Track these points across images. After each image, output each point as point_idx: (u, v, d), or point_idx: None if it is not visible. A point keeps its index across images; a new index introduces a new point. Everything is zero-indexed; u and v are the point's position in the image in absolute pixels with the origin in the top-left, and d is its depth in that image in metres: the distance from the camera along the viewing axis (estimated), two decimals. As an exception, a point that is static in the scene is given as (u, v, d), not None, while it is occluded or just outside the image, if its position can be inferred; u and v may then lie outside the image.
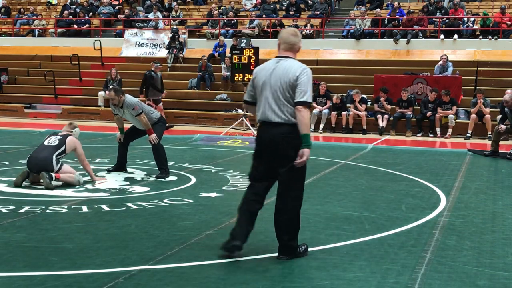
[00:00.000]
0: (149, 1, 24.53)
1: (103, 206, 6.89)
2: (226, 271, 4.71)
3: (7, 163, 9.91)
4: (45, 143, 8.20)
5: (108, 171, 9.20)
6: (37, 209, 6.69)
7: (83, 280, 4.45)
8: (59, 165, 8.01)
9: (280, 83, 4.90)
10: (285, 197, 5.02)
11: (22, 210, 6.62)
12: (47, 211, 6.65)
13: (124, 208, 6.84)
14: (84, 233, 5.75)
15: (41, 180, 7.83)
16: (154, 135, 8.84)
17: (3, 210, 6.62)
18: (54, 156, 7.98)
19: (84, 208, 6.79)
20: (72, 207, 6.88)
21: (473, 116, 15.41)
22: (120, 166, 9.28)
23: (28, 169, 8.00)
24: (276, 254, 5.09)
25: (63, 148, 8.12)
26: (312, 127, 15.93)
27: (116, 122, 9.32)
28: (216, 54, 20.84)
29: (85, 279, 4.47)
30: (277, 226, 5.08)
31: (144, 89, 16.23)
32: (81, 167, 8.52)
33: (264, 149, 5.01)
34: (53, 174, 7.88)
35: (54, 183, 7.85)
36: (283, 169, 4.93)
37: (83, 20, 24.30)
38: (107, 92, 18.74)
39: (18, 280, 4.43)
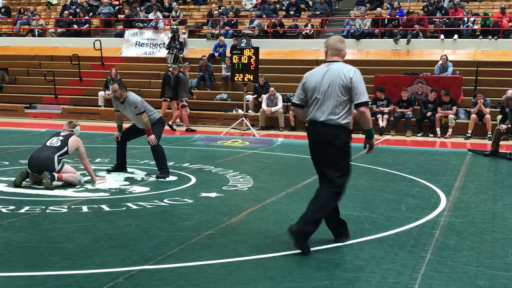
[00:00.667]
0: (149, 2, 24.54)
1: (103, 206, 6.89)
2: (226, 271, 4.71)
3: (7, 163, 9.90)
4: (47, 143, 8.19)
5: (108, 171, 9.20)
6: (37, 209, 6.68)
7: (83, 280, 4.45)
8: (60, 165, 8.01)
9: (332, 85, 5.21)
10: (325, 187, 5.30)
11: (22, 210, 6.62)
12: (47, 211, 6.64)
13: (124, 208, 6.83)
14: (84, 233, 5.75)
15: (43, 181, 7.82)
16: (153, 136, 8.83)
17: (3, 210, 6.62)
18: (56, 157, 7.98)
19: (84, 208, 6.79)
20: (72, 207, 6.87)
21: (473, 116, 15.41)
22: (120, 166, 9.28)
23: (29, 169, 8.00)
24: (275, 254, 5.10)
25: (65, 149, 8.12)
26: None
27: (116, 120, 9.32)
28: (216, 54, 20.84)
29: (85, 279, 4.47)
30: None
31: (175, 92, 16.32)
32: (82, 166, 8.52)
33: (311, 147, 5.35)
34: (56, 174, 7.88)
35: (54, 183, 7.86)
36: (325, 167, 5.28)
37: (83, 20, 24.31)
38: (109, 88, 18.76)
39: (18, 280, 4.43)
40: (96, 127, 16.60)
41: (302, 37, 21.66)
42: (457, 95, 16.57)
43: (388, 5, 22.36)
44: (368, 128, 5.28)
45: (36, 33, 24.78)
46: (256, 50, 16.26)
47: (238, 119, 16.36)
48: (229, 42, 20.42)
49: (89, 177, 8.42)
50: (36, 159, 7.97)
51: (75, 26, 24.10)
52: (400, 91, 16.38)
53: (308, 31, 21.59)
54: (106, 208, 6.80)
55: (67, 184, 8.00)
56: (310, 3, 23.31)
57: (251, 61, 16.01)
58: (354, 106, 5.20)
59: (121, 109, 9.01)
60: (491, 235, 6.01)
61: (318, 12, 22.50)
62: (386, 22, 21.01)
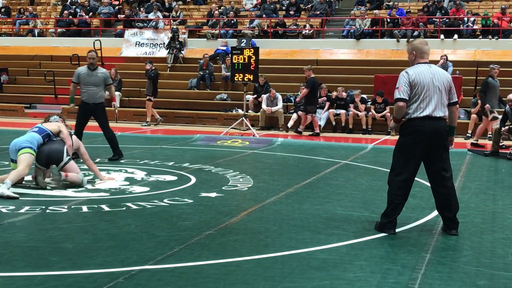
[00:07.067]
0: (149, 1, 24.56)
1: (103, 206, 6.88)
2: (226, 271, 4.71)
3: (7, 163, 9.88)
4: (53, 138, 8.11)
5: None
6: (37, 209, 6.68)
7: (83, 280, 4.45)
8: (68, 158, 7.97)
9: (444, 85, 5.83)
10: (446, 176, 5.91)
11: (22, 210, 6.62)
12: (47, 211, 6.64)
13: (124, 208, 6.83)
14: (84, 233, 5.74)
15: (50, 176, 7.81)
16: None
17: (3, 210, 6.61)
18: (65, 148, 7.95)
19: (84, 208, 6.79)
20: (72, 207, 6.87)
21: (473, 116, 15.41)
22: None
23: (36, 161, 7.91)
24: (275, 254, 5.11)
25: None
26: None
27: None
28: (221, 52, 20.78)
29: (85, 279, 4.47)
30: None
31: None
32: (83, 166, 8.50)
33: (424, 138, 5.83)
34: (62, 173, 7.84)
35: (47, 180, 7.86)
36: (442, 152, 5.90)
37: (83, 20, 24.30)
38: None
39: (18, 280, 4.43)
40: (96, 127, 16.53)
41: (302, 37, 21.66)
42: (457, 95, 16.53)
43: (389, 4, 22.39)
44: (454, 125, 6.07)
45: (36, 33, 24.78)
46: (256, 50, 16.26)
47: (238, 119, 16.36)
48: (230, 42, 20.41)
49: (90, 177, 8.40)
50: (48, 149, 7.84)
51: (75, 22, 24.06)
52: (400, 91, 16.31)
53: (308, 31, 21.58)
54: (106, 208, 6.80)
55: (69, 184, 7.97)
56: (308, 8, 23.21)
57: (251, 61, 16.01)
58: (452, 104, 5.91)
59: None
60: (491, 235, 6.00)
61: (318, 12, 22.50)
62: (388, 21, 21.02)
